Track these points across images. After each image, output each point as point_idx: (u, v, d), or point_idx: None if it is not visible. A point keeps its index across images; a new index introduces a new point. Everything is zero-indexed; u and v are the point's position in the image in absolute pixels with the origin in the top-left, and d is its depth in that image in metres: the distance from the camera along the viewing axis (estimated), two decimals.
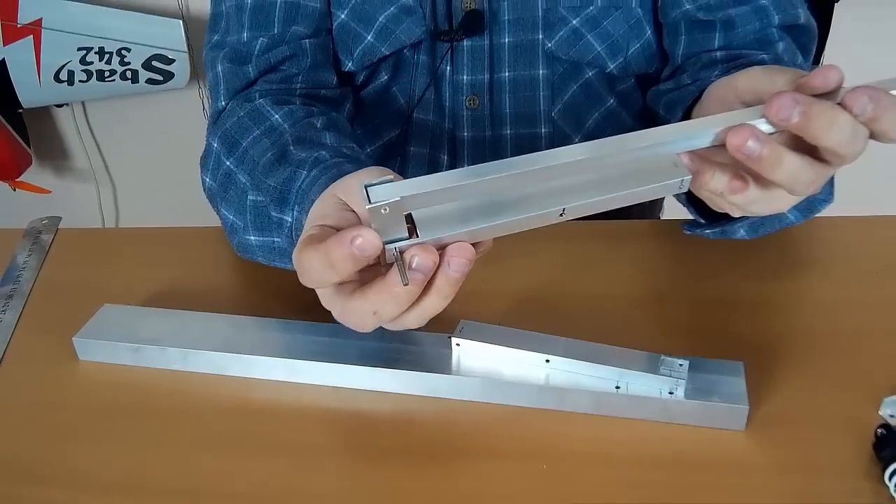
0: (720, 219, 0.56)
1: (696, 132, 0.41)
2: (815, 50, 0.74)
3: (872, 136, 0.41)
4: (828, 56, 1.47)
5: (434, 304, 0.43)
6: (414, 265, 0.40)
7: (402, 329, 0.44)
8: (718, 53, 0.71)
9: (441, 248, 0.41)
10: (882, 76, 0.41)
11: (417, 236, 0.41)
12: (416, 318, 0.44)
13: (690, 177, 0.42)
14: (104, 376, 0.57)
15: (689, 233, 0.59)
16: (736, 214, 0.48)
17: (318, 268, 0.41)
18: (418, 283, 0.41)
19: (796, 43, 0.71)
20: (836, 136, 0.40)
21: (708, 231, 0.58)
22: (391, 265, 0.41)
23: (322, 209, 0.46)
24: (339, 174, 0.51)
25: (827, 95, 0.40)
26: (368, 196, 0.38)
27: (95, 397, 0.56)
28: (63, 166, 1.84)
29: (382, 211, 0.39)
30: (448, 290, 0.42)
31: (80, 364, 0.59)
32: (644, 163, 0.42)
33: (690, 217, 0.60)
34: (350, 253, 0.39)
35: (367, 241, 0.39)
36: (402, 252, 0.41)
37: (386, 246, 0.40)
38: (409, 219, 0.41)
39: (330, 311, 0.45)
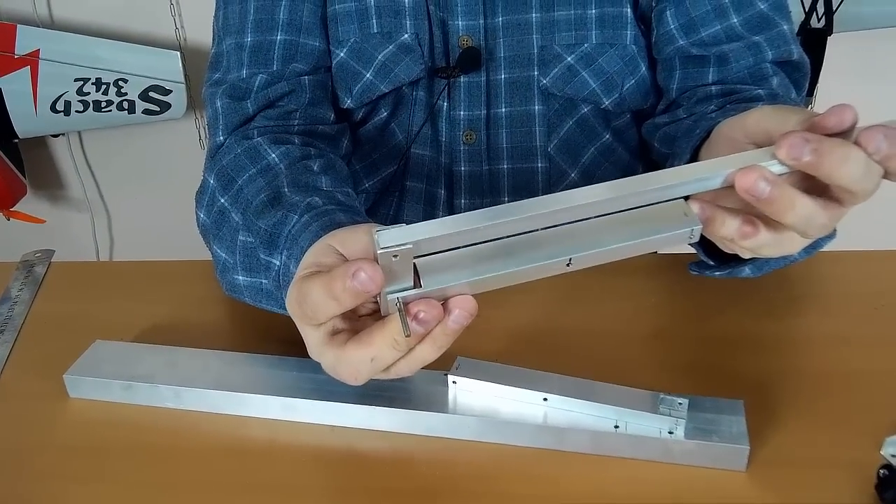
0: (729, 259, 0.56)
1: (705, 174, 0.41)
2: (807, 86, 0.74)
3: (886, 175, 0.41)
4: (821, 89, 1.49)
5: (427, 353, 0.43)
6: (420, 318, 0.40)
7: (391, 378, 0.44)
8: (713, 88, 0.71)
9: (442, 299, 0.41)
10: (874, 108, 0.41)
11: (420, 285, 0.40)
12: (407, 367, 0.44)
13: (701, 226, 0.42)
14: (95, 414, 0.56)
15: (695, 273, 0.59)
16: (746, 256, 0.47)
17: (319, 297, 0.41)
18: (419, 336, 0.41)
19: (789, 78, 0.72)
20: (850, 174, 0.39)
21: (717, 273, 0.58)
22: (390, 315, 0.41)
23: (315, 256, 0.46)
24: (330, 223, 0.51)
25: (841, 135, 0.40)
26: (378, 241, 0.38)
27: (86, 436, 0.55)
28: (58, 196, 1.83)
29: (392, 258, 0.39)
30: (443, 341, 0.42)
31: (71, 401, 0.58)
32: (653, 212, 0.42)
33: (692, 253, 0.60)
34: (351, 286, 0.39)
35: (369, 278, 0.39)
36: (405, 303, 0.40)
37: (388, 297, 0.40)
38: (413, 267, 0.41)
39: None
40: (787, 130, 0.41)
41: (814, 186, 0.42)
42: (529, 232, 0.42)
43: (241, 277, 0.59)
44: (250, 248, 0.57)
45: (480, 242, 0.41)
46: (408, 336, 0.40)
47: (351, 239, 0.45)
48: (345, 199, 0.58)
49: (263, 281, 0.57)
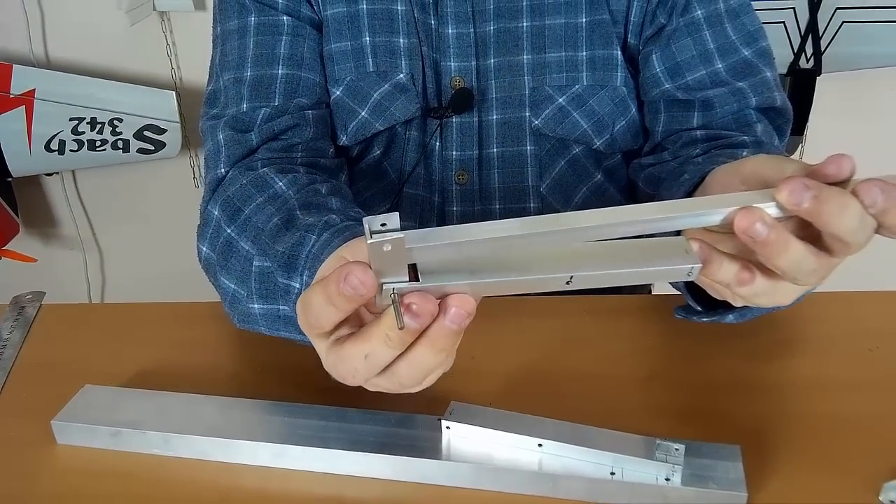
0: (717, 306, 0.56)
1: (705, 209, 0.41)
2: (789, 132, 0.75)
3: (879, 228, 0.41)
4: (810, 128, 1.50)
5: (427, 357, 0.40)
6: (413, 310, 0.38)
7: (397, 389, 0.42)
8: (698, 132, 0.72)
9: (440, 297, 0.39)
10: (862, 147, 0.41)
11: (419, 281, 0.39)
12: (408, 372, 0.41)
13: (700, 265, 0.42)
14: (82, 462, 0.55)
15: (680, 317, 0.59)
16: (738, 304, 0.47)
17: (319, 304, 0.40)
18: (412, 330, 0.39)
19: (772, 124, 0.73)
20: (846, 224, 0.39)
21: (703, 319, 0.58)
22: (386, 310, 0.40)
23: (327, 270, 0.45)
24: (351, 237, 0.50)
25: (839, 185, 0.40)
26: (369, 230, 0.36)
27: (72, 485, 0.54)
28: (50, 234, 1.83)
29: (384, 248, 0.36)
30: (442, 343, 0.40)
31: (58, 448, 0.57)
32: (655, 245, 0.42)
33: (680, 294, 0.60)
34: (344, 289, 0.37)
35: (359, 281, 0.37)
36: (400, 296, 0.39)
37: (384, 286, 0.38)
38: (412, 265, 0.39)
39: (322, 387, 0.44)
40: (786, 177, 0.41)
41: (807, 236, 0.42)
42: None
43: (256, 306, 0.57)
44: (267, 274, 0.56)
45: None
46: (401, 328, 0.38)
47: (361, 246, 0.44)
48: (358, 216, 0.57)
49: (282, 307, 0.55)
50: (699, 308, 0.57)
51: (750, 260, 0.43)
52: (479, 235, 0.38)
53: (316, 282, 0.42)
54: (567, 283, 0.41)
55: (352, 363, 0.41)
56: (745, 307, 0.57)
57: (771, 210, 0.41)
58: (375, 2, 0.73)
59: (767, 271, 0.43)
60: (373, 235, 0.36)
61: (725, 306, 0.53)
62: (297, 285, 0.53)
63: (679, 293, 0.60)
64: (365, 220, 0.37)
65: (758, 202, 0.41)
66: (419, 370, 0.41)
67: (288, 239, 0.55)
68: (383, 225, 0.36)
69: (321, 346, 0.43)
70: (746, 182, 0.47)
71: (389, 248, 0.36)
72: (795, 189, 0.39)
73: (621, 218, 0.39)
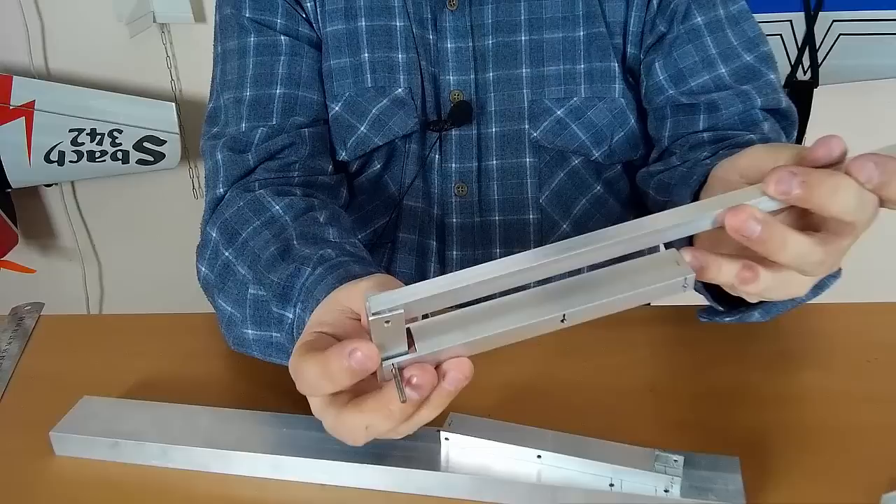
0: (739, 304, 0.55)
1: (693, 217, 0.40)
2: (796, 134, 0.75)
3: (883, 203, 0.39)
4: (808, 140, 1.51)
5: (424, 416, 0.43)
6: (414, 383, 0.40)
7: (391, 437, 0.45)
8: (705, 135, 0.72)
9: (438, 362, 0.41)
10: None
11: (415, 349, 0.40)
12: (406, 428, 0.44)
13: (693, 274, 0.41)
14: (79, 474, 0.55)
15: (705, 320, 0.58)
16: (753, 301, 0.47)
17: (314, 377, 0.41)
18: (414, 403, 0.41)
19: (778, 125, 0.72)
20: (842, 203, 0.38)
21: (727, 319, 0.57)
22: (387, 380, 0.41)
23: (322, 315, 0.46)
24: (345, 274, 0.51)
25: (832, 167, 0.39)
26: (370, 308, 0.38)
27: (69, 496, 0.54)
28: (49, 245, 1.83)
29: (384, 324, 0.39)
30: (439, 402, 0.42)
31: (56, 460, 0.57)
32: (644, 263, 0.42)
33: (686, 304, 0.59)
34: (348, 366, 0.39)
35: (365, 356, 0.39)
36: (400, 369, 0.40)
37: (383, 363, 0.40)
38: (407, 331, 0.41)
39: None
40: (776, 166, 0.40)
41: (810, 224, 0.41)
42: (522, 289, 0.41)
43: (250, 331, 0.58)
44: (262, 302, 0.57)
45: (473, 302, 0.41)
46: (403, 402, 0.40)
47: (355, 293, 0.46)
48: (354, 251, 0.58)
49: (275, 334, 0.57)
50: (721, 308, 0.56)
51: (752, 256, 0.41)
52: (474, 279, 0.39)
53: (308, 350, 0.42)
54: (561, 321, 0.41)
55: (352, 430, 0.43)
56: (769, 303, 0.56)
57: (766, 204, 0.40)
58: (374, 18, 0.74)
59: (770, 264, 0.41)
60: (373, 310, 0.38)
61: (746, 303, 0.53)
62: (291, 316, 0.54)
63: (681, 303, 0.60)
64: (365, 299, 0.39)
65: (749, 198, 0.40)
66: (417, 426, 0.44)
67: (283, 270, 0.56)
68: (382, 301, 0.39)
69: (315, 404, 0.44)
70: (745, 176, 0.46)
71: (389, 324, 0.39)
72: (782, 178, 0.38)
73: (606, 239, 0.39)
